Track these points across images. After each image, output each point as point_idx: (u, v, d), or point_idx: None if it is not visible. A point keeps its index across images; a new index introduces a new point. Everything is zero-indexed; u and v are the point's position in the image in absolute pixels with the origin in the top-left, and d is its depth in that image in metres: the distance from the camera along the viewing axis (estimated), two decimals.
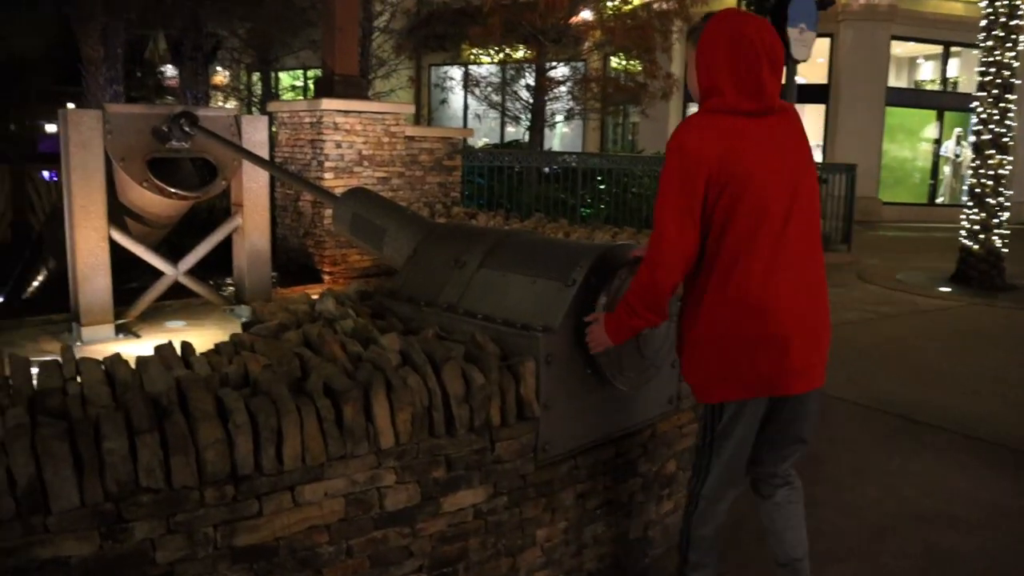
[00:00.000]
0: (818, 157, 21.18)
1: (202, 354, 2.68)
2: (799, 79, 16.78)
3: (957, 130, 22.71)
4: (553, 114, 12.80)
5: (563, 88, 12.39)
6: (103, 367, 2.43)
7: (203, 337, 5.29)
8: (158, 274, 5.69)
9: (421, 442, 2.42)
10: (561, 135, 22.37)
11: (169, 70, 20.48)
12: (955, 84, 23.72)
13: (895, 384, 6.23)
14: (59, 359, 2.49)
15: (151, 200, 5.44)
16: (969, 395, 6.01)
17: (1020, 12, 11.06)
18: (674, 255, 2.43)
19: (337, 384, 2.29)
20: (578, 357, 2.82)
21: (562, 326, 2.73)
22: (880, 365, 6.81)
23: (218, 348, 2.74)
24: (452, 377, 2.47)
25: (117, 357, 2.47)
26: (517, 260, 3.01)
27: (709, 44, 2.46)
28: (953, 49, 22.91)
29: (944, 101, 23.00)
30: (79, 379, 2.38)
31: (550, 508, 2.86)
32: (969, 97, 23.80)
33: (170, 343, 2.67)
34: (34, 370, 2.42)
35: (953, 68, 23.65)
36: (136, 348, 5.02)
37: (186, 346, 2.70)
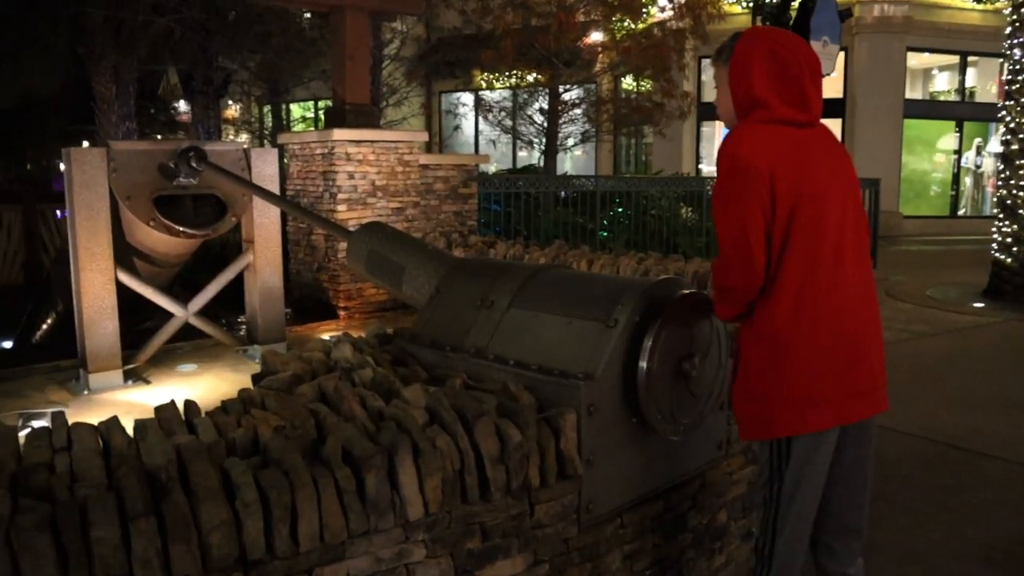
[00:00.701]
0: None
1: (208, 414, 2.42)
2: None
3: (977, 140, 22.39)
4: (567, 137, 12.58)
5: (577, 111, 12.19)
6: (98, 433, 2.18)
7: (215, 382, 5.05)
8: (169, 314, 5.46)
9: (453, 510, 2.16)
10: (573, 158, 22.18)
11: (181, 105, 20.49)
12: (972, 94, 23.42)
13: (940, 408, 5.90)
14: (49, 425, 2.24)
15: (159, 239, 5.22)
16: (1021, 419, 5.68)
17: None
18: (753, 276, 2.25)
19: (358, 449, 2.03)
20: (623, 405, 2.55)
21: (604, 372, 2.47)
22: (920, 388, 6.47)
23: (225, 406, 2.48)
24: (486, 435, 2.21)
25: (114, 422, 2.22)
26: (551, 298, 2.75)
27: (745, 59, 2.34)
28: (970, 59, 22.63)
29: (962, 111, 22.69)
30: (72, 448, 2.13)
31: (596, 573, 2.57)
32: (988, 107, 23.60)
33: (172, 402, 2.42)
34: (28, 429, 2.17)
35: (971, 78, 23.35)
36: (145, 396, 4.78)
37: (190, 405, 2.45)
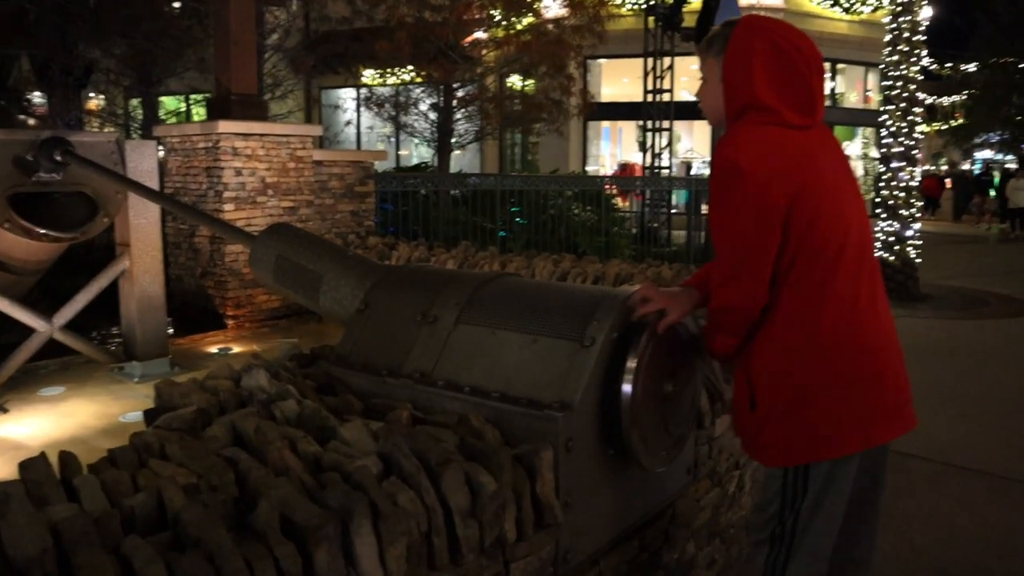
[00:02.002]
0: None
1: (92, 469, 1.90)
2: (685, 95, 16.81)
3: (846, 144, 23.39)
4: (464, 134, 12.18)
5: (472, 107, 11.81)
6: None
7: (87, 407, 4.39)
8: (28, 328, 4.74)
9: None
10: (456, 157, 21.82)
11: (36, 97, 18.83)
12: (838, 99, 24.52)
13: None
14: None
15: (15, 243, 4.52)
16: (929, 416, 5.69)
17: (921, 28, 11.21)
18: (759, 294, 1.99)
19: (300, 515, 1.58)
20: (601, 437, 2.19)
21: (583, 400, 2.10)
22: None
23: (115, 457, 1.96)
24: (455, 487, 1.79)
25: None
26: (509, 313, 2.36)
27: (744, 54, 2.05)
28: (839, 66, 23.63)
29: (832, 116, 23.67)
30: None
31: None
32: (854, 112, 24.77)
33: (43, 457, 1.88)
34: None
35: (839, 85, 24.41)
36: (3, 428, 4.09)
37: (68, 459, 1.92)
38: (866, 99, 25.85)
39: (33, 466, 1.84)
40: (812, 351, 1.98)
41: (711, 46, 2.14)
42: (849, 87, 25.86)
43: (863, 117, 24.92)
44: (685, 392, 2.40)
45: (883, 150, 11.63)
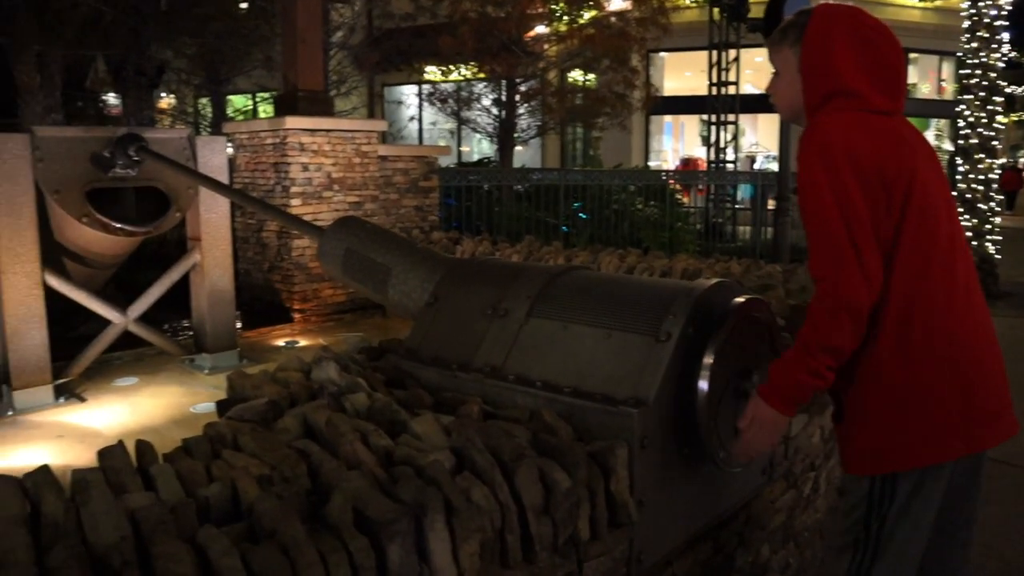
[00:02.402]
0: (774, 166, 20.94)
1: (167, 458, 1.92)
2: (751, 88, 16.47)
3: None
4: (527, 129, 12.14)
5: (534, 102, 11.75)
6: (23, 493, 1.66)
7: (159, 398, 4.49)
8: (104, 320, 4.86)
9: None
10: (518, 152, 21.80)
11: (111, 97, 19.42)
12: (910, 90, 23.76)
13: None
14: None
15: (92, 238, 4.63)
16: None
17: (1004, 12, 10.76)
18: (870, 281, 1.82)
19: (373, 510, 1.56)
20: (675, 434, 2.13)
21: (658, 396, 2.03)
22: None
23: (189, 447, 1.98)
24: (529, 483, 1.75)
25: (43, 476, 1.70)
26: (581, 306, 2.30)
27: (825, 40, 1.97)
28: (911, 55, 22.89)
29: (905, 107, 22.97)
30: None
31: None
32: (928, 103, 23.99)
33: (121, 446, 1.90)
34: None
35: (911, 74, 23.66)
36: (81, 416, 4.20)
37: (144, 448, 1.93)
38: (940, 89, 25.02)
39: (111, 454, 1.86)
40: (904, 353, 1.87)
41: (785, 36, 2.06)
42: (922, 77, 25.05)
43: (937, 108, 24.12)
44: None
45: (960, 142, 11.22)
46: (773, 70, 2.13)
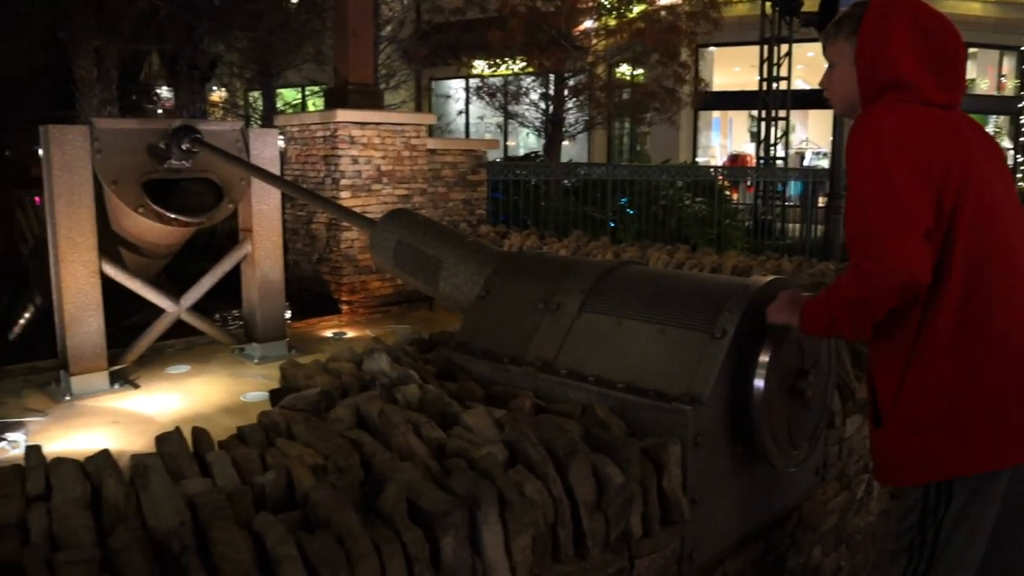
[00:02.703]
0: (824, 164, 20.56)
1: (222, 446, 1.94)
2: (801, 84, 16.12)
3: None
4: (575, 123, 12.08)
5: (582, 96, 11.69)
6: (85, 476, 1.69)
7: (210, 386, 4.57)
8: (156, 308, 4.96)
9: (543, 573, 1.69)
10: (564, 147, 21.71)
11: (164, 91, 19.80)
12: (970, 86, 23.15)
13: None
14: (23, 464, 1.75)
15: (148, 227, 4.71)
16: None
17: None
18: (891, 274, 1.75)
19: (427, 502, 1.56)
20: (729, 432, 2.09)
21: (712, 394, 2.00)
22: None
23: (243, 435, 2.00)
24: (582, 478, 1.74)
25: (104, 460, 1.73)
26: (634, 301, 2.28)
27: (882, 31, 1.92)
28: (971, 50, 22.31)
29: (965, 104, 22.40)
30: (52, 496, 1.64)
31: None
32: (988, 99, 23.38)
33: (178, 432, 1.93)
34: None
35: (970, 70, 23.05)
36: (135, 402, 4.29)
37: (200, 435, 1.96)
38: (1000, 85, 24.34)
39: (168, 440, 1.89)
40: (960, 353, 1.81)
41: (841, 28, 2.01)
42: (981, 73, 24.36)
43: (996, 104, 23.45)
44: (817, 390, 2.27)
45: (1021, 139, 10.90)
46: (828, 63, 2.08)
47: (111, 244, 4.82)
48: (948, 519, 1.88)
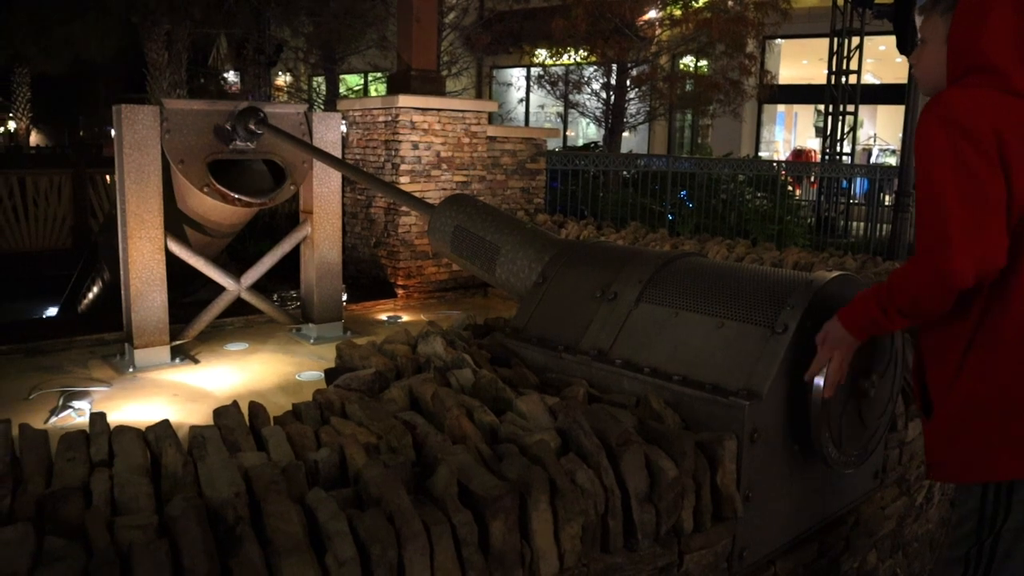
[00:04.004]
0: (892, 161, 19.96)
1: (278, 421, 1.97)
2: (870, 78, 15.62)
3: None
4: (636, 113, 11.96)
5: (645, 87, 11.56)
6: (146, 445, 1.73)
7: (267, 364, 4.66)
8: (217, 286, 5.07)
9: (592, 563, 1.68)
10: (624, 138, 21.54)
11: (231, 75, 20.19)
12: None
13: None
14: (87, 431, 1.80)
15: (212, 207, 4.81)
16: None
17: None
18: (959, 262, 1.69)
19: (478, 485, 1.55)
20: (786, 430, 2.05)
21: (771, 390, 1.96)
22: None
23: (299, 411, 2.02)
24: (634, 469, 1.72)
25: (164, 430, 1.77)
26: (693, 293, 2.24)
27: (980, 10, 1.82)
28: None
29: None
30: (114, 462, 1.68)
31: None
32: None
33: (235, 406, 1.96)
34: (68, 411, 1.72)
35: None
36: (194, 376, 4.39)
37: (256, 410, 1.99)
38: None
39: (226, 414, 1.92)
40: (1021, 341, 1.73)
41: (938, 2, 1.93)
42: None
43: None
44: (881, 391, 2.20)
45: None
46: (920, 40, 2.00)
47: (176, 222, 4.93)
48: (1008, 529, 1.80)
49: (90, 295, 6.97)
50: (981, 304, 1.78)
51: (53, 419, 3.65)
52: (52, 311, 8.29)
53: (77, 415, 3.72)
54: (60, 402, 3.87)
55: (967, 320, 1.79)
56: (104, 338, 5.01)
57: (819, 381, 1.99)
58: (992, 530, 1.82)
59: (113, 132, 4.63)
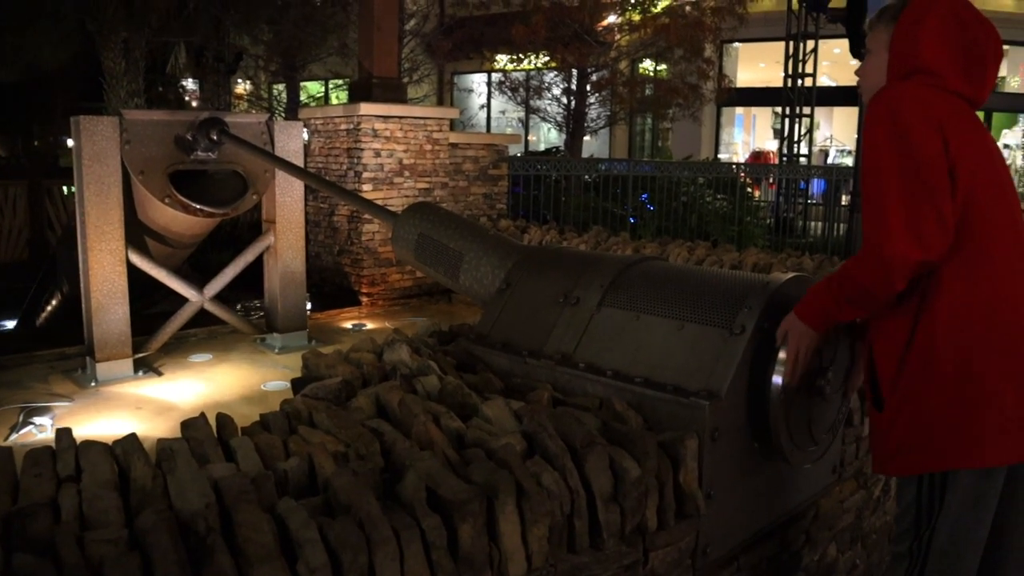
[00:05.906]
0: (848, 161, 20.34)
1: (245, 433, 1.98)
2: (826, 80, 15.92)
3: (1005, 132, 21.80)
4: (596, 118, 12.06)
5: (604, 91, 11.67)
6: (113, 459, 1.74)
7: (232, 374, 4.63)
8: (180, 298, 5.03)
9: (559, 563, 1.72)
10: (585, 142, 21.67)
11: (190, 83, 19.97)
12: (997, 84, 22.81)
13: None
14: (52, 446, 1.80)
15: (174, 218, 4.78)
16: None
17: None
18: (901, 247, 1.74)
19: (446, 490, 1.58)
20: (746, 428, 2.11)
21: (730, 389, 2.02)
22: None
23: (266, 422, 2.04)
24: (599, 470, 1.76)
25: (132, 444, 1.78)
26: (654, 296, 2.30)
27: (918, 19, 1.93)
28: (1003, 48, 22.01)
29: (991, 102, 22.13)
30: (81, 477, 1.69)
31: None
32: (1018, 98, 23.03)
33: (203, 417, 1.97)
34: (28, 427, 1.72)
35: (1001, 67, 22.74)
36: (158, 389, 4.36)
37: (224, 421, 2.00)
38: None
39: (194, 425, 1.93)
40: (963, 339, 1.78)
41: (883, 14, 2.04)
42: (1011, 71, 24.04)
43: None
44: (837, 388, 2.27)
45: None
46: (865, 50, 2.09)
47: (137, 234, 4.89)
48: (942, 523, 1.84)
49: (48, 308, 6.86)
50: (919, 296, 1.84)
51: (14, 436, 3.60)
52: (9, 324, 8.14)
53: (38, 431, 3.67)
54: (20, 418, 3.82)
55: (908, 313, 1.85)
56: (65, 352, 4.94)
57: (777, 380, 2.05)
58: (929, 523, 1.87)
59: (71, 143, 4.58)
